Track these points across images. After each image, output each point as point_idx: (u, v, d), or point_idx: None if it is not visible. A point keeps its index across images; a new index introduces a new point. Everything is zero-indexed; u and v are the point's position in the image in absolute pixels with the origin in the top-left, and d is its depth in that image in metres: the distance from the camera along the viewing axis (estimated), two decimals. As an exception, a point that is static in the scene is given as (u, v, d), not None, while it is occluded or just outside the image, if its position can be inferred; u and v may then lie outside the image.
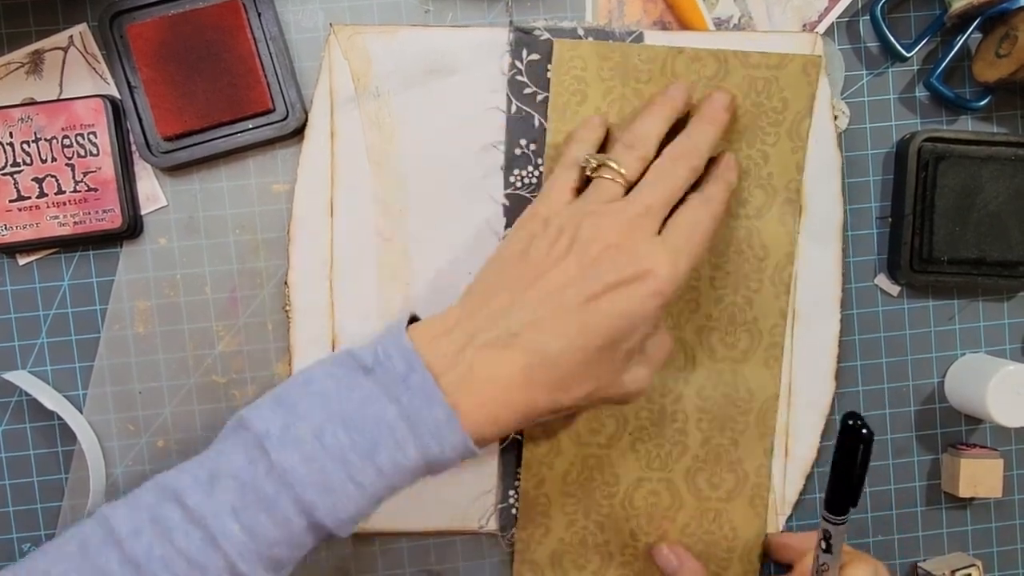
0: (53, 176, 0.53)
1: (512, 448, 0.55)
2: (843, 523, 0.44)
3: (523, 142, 0.54)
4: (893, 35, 0.55)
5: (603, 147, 0.51)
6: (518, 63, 0.53)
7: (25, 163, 0.53)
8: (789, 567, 0.53)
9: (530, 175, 0.54)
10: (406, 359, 0.42)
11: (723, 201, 0.48)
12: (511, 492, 0.56)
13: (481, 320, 0.44)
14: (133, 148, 0.54)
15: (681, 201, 0.47)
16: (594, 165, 0.47)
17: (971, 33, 0.54)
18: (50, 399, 0.53)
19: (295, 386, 0.43)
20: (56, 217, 0.53)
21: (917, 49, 0.55)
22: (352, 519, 0.42)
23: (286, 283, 0.54)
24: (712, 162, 0.49)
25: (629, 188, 0.47)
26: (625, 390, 0.46)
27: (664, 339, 0.49)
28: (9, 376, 0.53)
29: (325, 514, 0.40)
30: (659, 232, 0.45)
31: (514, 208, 0.54)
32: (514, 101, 0.53)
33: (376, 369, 0.42)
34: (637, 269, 0.43)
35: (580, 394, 0.44)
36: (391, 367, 0.42)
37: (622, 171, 0.47)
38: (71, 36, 0.54)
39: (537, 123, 0.53)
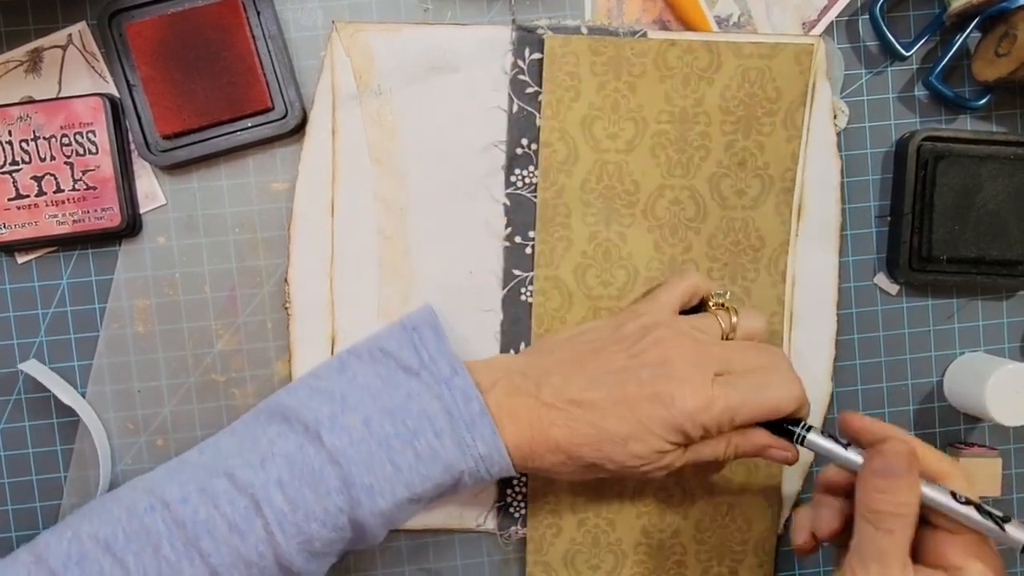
0: (52, 175, 0.53)
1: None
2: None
3: (524, 142, 0.54)
4: (892, 34, 0.55)
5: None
6: (520, 62, 0.53)
7: (24, 161, 0.53)
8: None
9: (531, 175, 0.54)
10: (451, 365, 0.46)
11: (777, 406, 0.47)
12: (508, 491, 0.56)
13: (521, 368, 0.48)
14: (132, 147, 0.54)
15: None
16: (720, 303, 0.51)
17: (970, 32, 0.55)
18: (64, 393, 0.53)
19: (338, 378, 0.47)
20: (55, 216, 0.53)
21: (916, 48, 0.55)
22: (383, 503, 0.44)
23: (286, 281, 0.54)
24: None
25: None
26: (639, 466, 0.47)
27: (717, 443, 0.49)
28: (25, 367, 0.53)
29: (362, 490, 0.44)
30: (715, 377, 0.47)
31: (514, 207, 0.54)
32: (516, 100, 0.53)
33: (422, 372, 0.46)
34: (667, 387, 0.45)
35: (587, 462, 0.47)
36: (436, 370, 0.46)
37: (733, 322, 0.50)
38: (70, 34, 0.54)
39: (539, 123, 0.53)
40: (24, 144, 0.52)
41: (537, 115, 0.53)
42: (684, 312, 0.52)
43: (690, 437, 0.46)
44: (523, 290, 0.55)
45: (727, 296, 0.51)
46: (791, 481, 0.57)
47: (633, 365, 0.46)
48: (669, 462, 0.47)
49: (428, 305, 0.50)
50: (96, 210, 0.53)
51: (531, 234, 0.54)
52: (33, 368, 0.53)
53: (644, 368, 0.46)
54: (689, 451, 0.48)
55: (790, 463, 0.49)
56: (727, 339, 0.50)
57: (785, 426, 0.47)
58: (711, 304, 0.51)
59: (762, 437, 0.48)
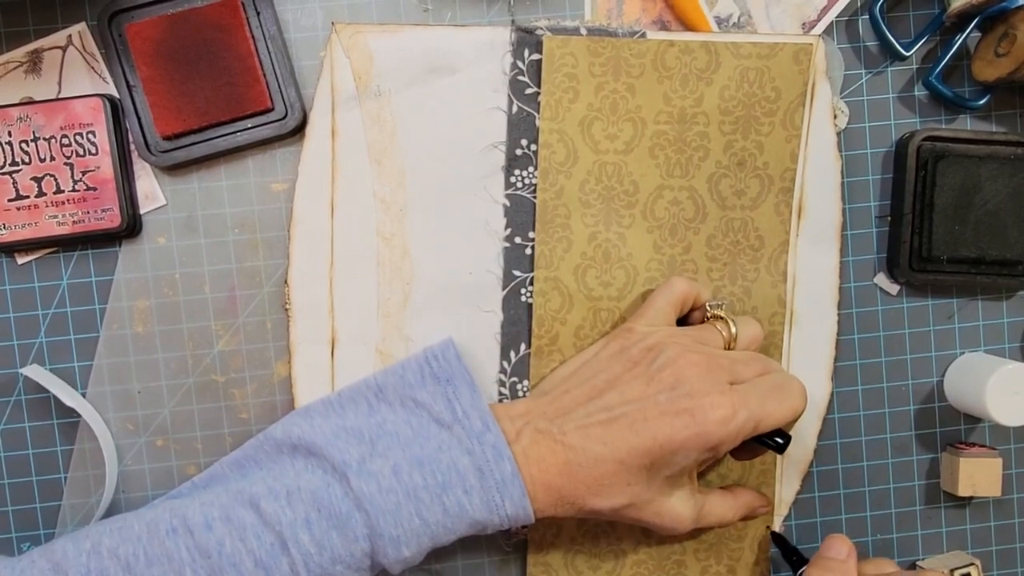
0: (52, 175, 0.53)
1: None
2: None
3: (524, 142, 0.54)
4: (892, 34, 0.55)
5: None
6: (520, 63, 0.53)
7: (24, 162, 0.53)
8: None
9: (531, 175, 0.54)
10: (483, 420, 0.46)
11: (795, 411, 0.48)
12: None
13: (541, 412, 0.48)
14: (132, 147, 0.54)
15: None
16: (717, 314, 0.51)
17: (970, 32, 0.55)
18: (68, 396, 0.53)
19: (366, 420, 0.47)
20: (55, 216, 0.53)
21: (916, 48, 0.55)
22: (407, 552, 0.45)
23: (286, 282, 0.54)
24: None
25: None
26: (660, 521, 0.49)
27: (726, 506, 0.52)
28: (27, 371, 0.53)
29: (388, 542, 0.44)
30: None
31: (514, 208, 0.54)
32: (515, 101, 0.53)
33: (454, 426, 0.46)
34: (690, 404, 0.45)
35: (615, 504, 0.47)
36: (469, 425, 0.46)
37: (734, 332, 0.51)
38: (70, 35, 0.54)
39: (538, 124, 0.53)
40: (24, 145, 0.52)
41: (537, 116, 0.53)
42: (680, 321, 0.53)
43: (717, 452, 0.46)
44: (523, 291, 0.55)
45: (722, 307, 0.52)
46: (790, 482, 0.57)
47: (650, 392, 0.47)
48: (683, 515, 0.49)
49: (450, 342, 0.50)
50: (96, 211, 0.53)
51: (531, 235, 0.54)
52: (35, 372, 0.53)
53: (661, 393, 0.46)
54: (703, 510, 0.50)
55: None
56: (729, 348, 0.50)
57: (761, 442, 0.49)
58: (708, 316, 0.52)
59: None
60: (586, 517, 0.49)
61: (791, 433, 0.49)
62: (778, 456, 0.56)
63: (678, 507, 0.48)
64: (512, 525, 0.46)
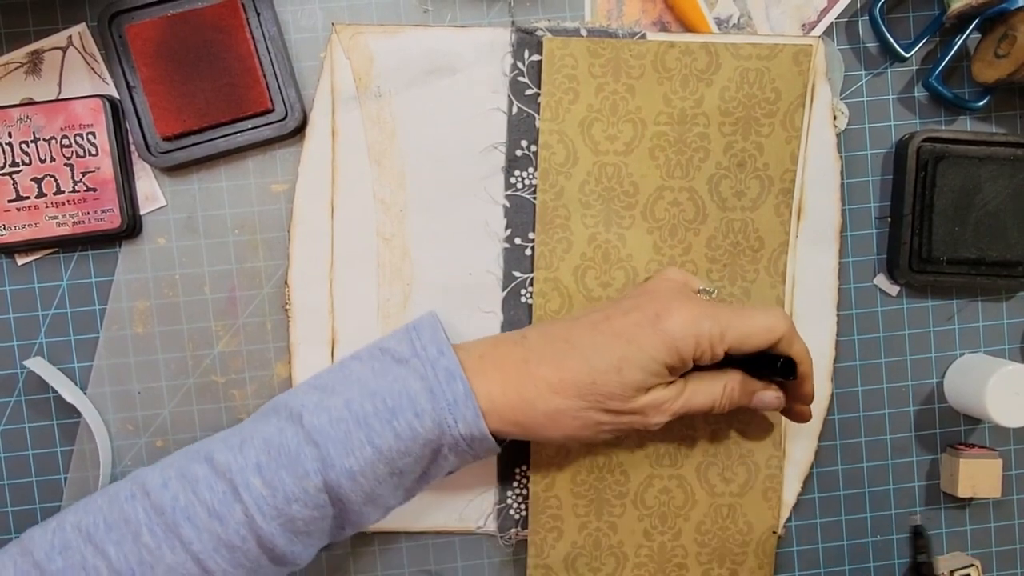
0: (52, 176, 0.53)
1: (510, 449, 0.55)
2: None
3: (524, 143, 0.54)
4: (892, 35, 0.55)
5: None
6: (520, 64, 0.53)
7: (24, 163, 0.53)
8: None
9: (531, 176, 0.54)
10: (439, 347, 0.46)
11: (768, 328, 0.47)
12: (509, 493, 0.56)
13: (507, 334, 0.48)
14: (132, 148, 0.54)
15: None
16: (713, 294, 0.51)
17: (970, 33, 0.55)
18: (68, 390, 0.53)
19: (333, 375, 0.47)
20: (55, 217, 0.53)
21: (916, 49, 0.55)
22: (364, 481, 0.44)
23: (286, 282, 0.54)
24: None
25: None
26: (633, 420, 0.47)
27: (704, 390, 0.48)
28: (29, 363, 0.53)
29: (342, 473, 0.43)
30: None
31: (514, 209, 0.54)
32: (515, 102, 0.53)
33: (412, 359, 0.46)
34: (652, 309, 0.46)
35: (576, 399, 0.46)
36: (425, 355, 0.46)
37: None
38: (70, 36, 0.54)
39: (538, 124, 0.53)
40: (24, 146, 0.52)
41: (537, 117, 0.53)
42: None
43: (682, 357, 0.45)
44: (523, 292, 0.55)
45: (714, 292, 0.51)
46: (791, 483, 0.57)
47: (618, 304, 0.47)
48: (665, 400, 0.46)
49: (432, 311, 0.50)
50: (96, 211, 0.53)
51: (531, 235, 0.54)
52: (37, 365, 0.53)
53: (627, 299, 0.47)
54: (686, 392, 0.47)
55: (778, 408, 0.50)
56: None
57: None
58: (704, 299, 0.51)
59: (753, 382, 0.49)
60: (554, 431, 0.47)
61: (795, 361, 0.47)
62: (784, 458, 0.56)
63: (654, 379, 0.46)
64: (470, 447, 0.46)
